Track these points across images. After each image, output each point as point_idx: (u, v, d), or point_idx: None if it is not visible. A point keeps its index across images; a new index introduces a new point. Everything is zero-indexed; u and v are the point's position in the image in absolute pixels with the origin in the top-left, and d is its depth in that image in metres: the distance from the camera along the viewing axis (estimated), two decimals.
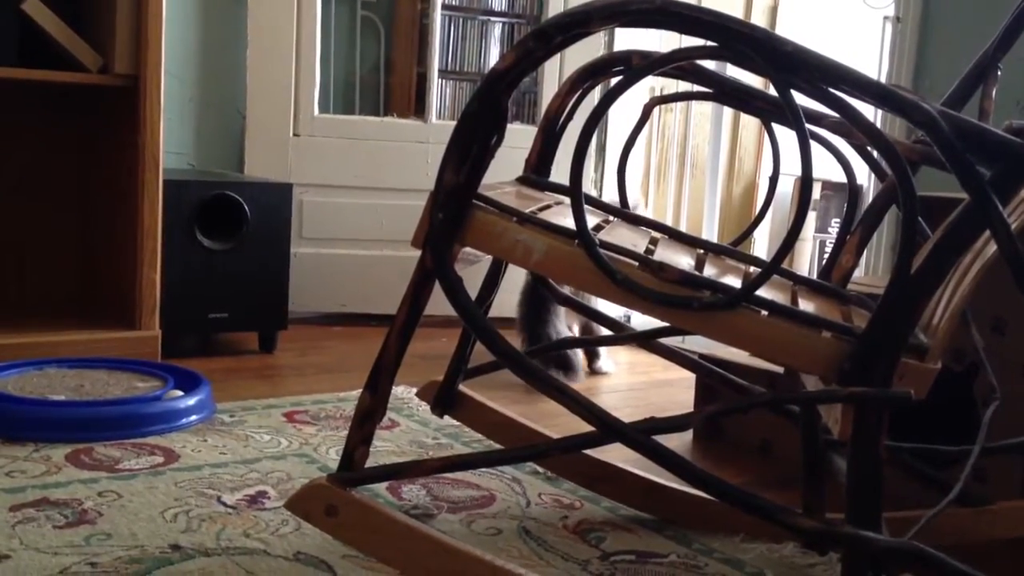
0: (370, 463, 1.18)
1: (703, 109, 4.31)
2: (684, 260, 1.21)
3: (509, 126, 1.14)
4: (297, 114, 3.01)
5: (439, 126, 3.14)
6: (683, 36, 1.03)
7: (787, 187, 4.39)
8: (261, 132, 2.98)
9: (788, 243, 1.00)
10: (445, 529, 1.46)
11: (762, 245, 4.23)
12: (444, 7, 3.30)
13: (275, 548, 1.35)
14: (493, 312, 1.49)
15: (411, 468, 1.20)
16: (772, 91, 1.09)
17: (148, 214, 2.26)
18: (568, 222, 1.05)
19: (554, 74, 3.22)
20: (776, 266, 1.00)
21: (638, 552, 1.42)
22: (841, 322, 1.03)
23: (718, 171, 3.72)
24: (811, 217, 4.39)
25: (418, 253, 1.11)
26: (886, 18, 3.03)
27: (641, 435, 1.03)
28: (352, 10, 3.33)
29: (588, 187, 3.37)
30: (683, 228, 3.64)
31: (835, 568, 1.40)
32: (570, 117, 1.43)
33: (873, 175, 2.06)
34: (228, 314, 2.52)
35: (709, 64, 1.37)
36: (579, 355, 2.57)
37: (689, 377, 2.26)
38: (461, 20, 3.47)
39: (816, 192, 4.34)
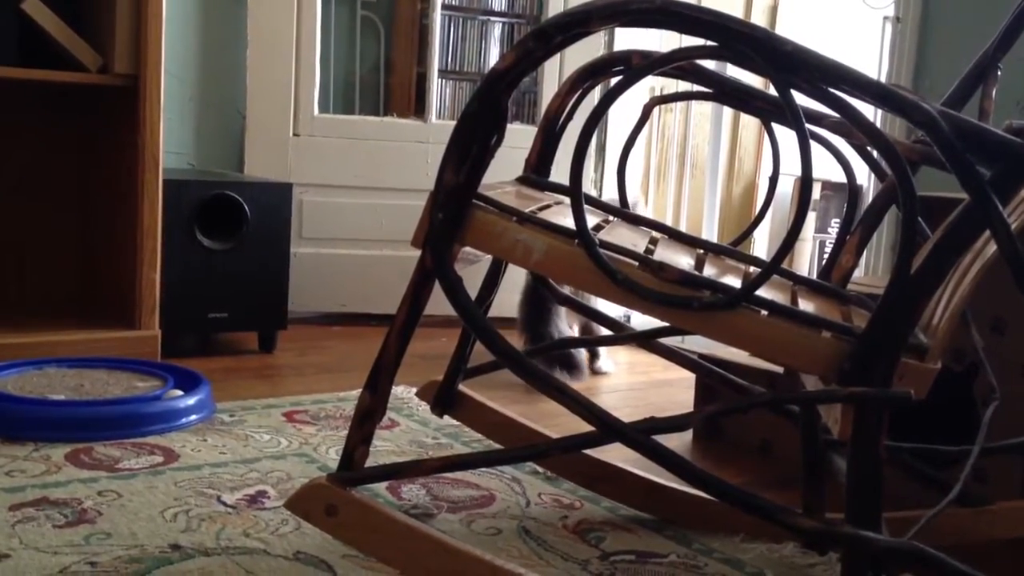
0: (370, 463, 1.18)
1: (703, 109, 4.31)
2: (684, 260, 1.21)
3: (509, 126, 1.14)
4: (297, 114, 3.01)
5: (439, 126, 3.14)
6: (683, 36, 1.03)
7: (787, 187, 4.39)
8: (261, 132, 2.98)
9: (788, 243, 1.00)
10: (445, 529, 1.46)
11: (762, 245, 4.23)
12: (444, 7, 3.30)
13: (275, 548, 1.35)
14: (493, 312, 1.49)
15: (411, 468, 1.20)
16: (772, 91, 1.09)
17: (148, 214, 2.26)
18: (568, 222, 1.05)
19: (554, 74, 3.22)
20: (776, 266, 1.00)
21: (638, 552, 1.42)
22: (841, 322, 1.03)
23: (718, 171, 3.72)
24: (811, 217, 4.39)
25: (418, 253, 1.11)
26: (886, 18, 3.03)
27: (641, 435, 1.03)
28: (352, 10, 3.33)
29: (588, 187, 3.37)
30: (683, 228, 3.64)
31: (835, 568, 1.40)
32: (570, 117, 1.43)
33: (873, 175, 2.06)
34: (228, 314, 2.52)
35: (709, 64, 1.37)
36: (583, 354, 2.57)
37: (689, 377, 2.26)
38: (461, 20, 3.47)
39: (816, 192, 4.34)
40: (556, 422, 1.88)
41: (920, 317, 1.01)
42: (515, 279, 2.17)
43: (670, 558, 1.41)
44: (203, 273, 2.46)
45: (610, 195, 3.22)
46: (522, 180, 1.44)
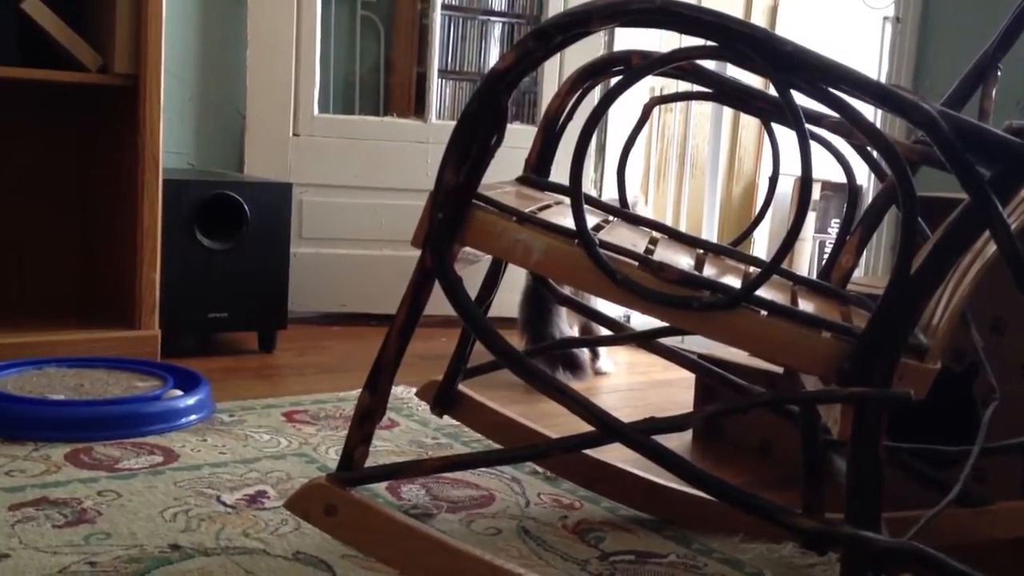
0: (369, 463, 1.18)
1: (703, 109, 4.31)
2: (684, 260, 1.21)
3: (509, 126, 1.14)
4: (297, 114, 3.01)
5: (439, 126, 3.14)
6: (683, 36, 1.03)
7: (787, 187, 4.39)
8: (261, 132, 2.98)
9: (788, 243, 1.00)
10: (444, 529, 1.46)
11: (762, 245, 4.23)
12: (444, 7, 3.30)
13: (274, 548, 1.35)
14: (493, 312, 1.49)
15: (410, 468, 1.20)
16: (772, 91, 1.09)
17: (148, 214, 2.26)
18: (568, 222, 1.05)
19: (554, 74, 3.22)
20: (776, 266, 1.00)
21: (637, 552, 1.42)
22: (841, 322, 1.03)
23: (718, 171, 3.72)
24: (811, 217, 4.39)
25: (418, 253, 1.11)
26: (886, 18, 3.03)
27: (641, 435, 1.03)
28: (352, 10, 3.33)
29: (588, 187, 3.37)
30: (683, 228, 3.64)
31: (834, 568, 1.40)
32: (570, 117, 1.43)
33: (873, 175, 2.06)
34: (228, 314, 2.52)
35: (709, 64, 1.37)
36: (586, 355, 2.57)
37: (689, 377, 2.26)
38: (461, 20, 3.47)
39: (816, 192, 4.34)
40: (556, 422, 1.88)
41: (920, 317, 1.01)
42: (515, 279, 2.17)
43: (669, 558, 1.41)
44: (203, 273, 2.46)
45: (610, 195, 3.22)
46: (522, 180, 1.44)
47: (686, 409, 2.20)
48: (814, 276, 1.42)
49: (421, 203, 1.11)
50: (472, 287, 1.17)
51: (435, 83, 3.18)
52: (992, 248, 1.02)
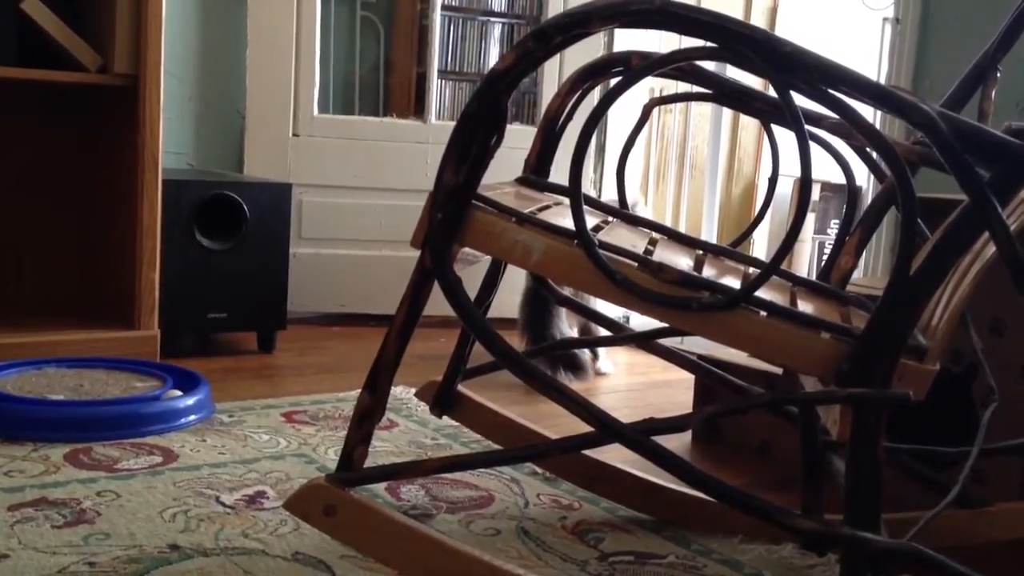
0: (369, 463, 1.18)
1: (702, 110, 4.31)
2: (683, 261, 1.21)
3: (509, 126, 1.14)
4: (296, 114, 3.01)
5: (439, 126, 3.14)
6: (683, 37, 1.03)
7: (786, 188, 4.39)
8: (260, 132, 2.98)
9: (787, 244, 1.00)
10: (444, 529, 1.46)
11: (761, 246, 4.23)
12: (444, 7, 3.30)
13: (274, 548, 1.35)
14: (493, 313, 1.49)
15: (410, 468, 1.20)
16: (771, 92, 1.09)
17: (147, 214, 2.26)
18: (567, 222, 1.05)
19: (554, 74, 3.22)
20: (775, 267, 1.00)
21: (637, 553, 1.42)
22: (840, 323, 1.03)
23: (717, 172, 3.72)
24: (810, 218, 4.39)
25: (417, 253, 1.11)
26: (885, 19, 3.03)
27: (640, 436, 1.03)
28: (352, 10, 3.33)
29: (587, 188, 3.37)
30: (682, 229, 3.64)
31: (834, 569, 1.40)
32: (570, 117, 1.43)
33: (872, 176, 2.06)
34: (227, 314, 2.51)
35: (709, 65, 1.37)
36: (587, 355, 2.57)
37: (688, 378, 2.26)
38: (461, 20, 3.47)
39: (815, 193, 4.34)
40: (555, 423, 1.88)
41: (919, 318, 1.01)
42: (515, 280, 2.17)
43: (669, 559, 1.41)
44: (202, 273, 2.46)
45: (610, 196, 3.21)
46: (521, 181, 1.44)
47: (685, 410, 2.20)
48: (813, 277, 1.42)
49: (421, 203, 1.11)
50: (472, 287, 1.17)
51: (435, 83, 3.18)
52: (991, 249, 1.02)
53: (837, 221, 4.30)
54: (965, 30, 2.48)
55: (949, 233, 0.97)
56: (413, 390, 1.70)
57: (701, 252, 1.40)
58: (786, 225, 4.16)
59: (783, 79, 0.96)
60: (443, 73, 3.39)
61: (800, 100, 0.98)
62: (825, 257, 1.47)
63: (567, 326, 2.52)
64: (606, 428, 1.04)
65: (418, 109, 3.28)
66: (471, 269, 1.27)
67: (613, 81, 1.59)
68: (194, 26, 2.91)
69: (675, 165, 4.52)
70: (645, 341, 1.55)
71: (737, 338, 1.02)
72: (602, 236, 1.10)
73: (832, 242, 3.47)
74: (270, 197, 2.53)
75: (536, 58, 1.05)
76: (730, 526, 1.48)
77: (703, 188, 3.79)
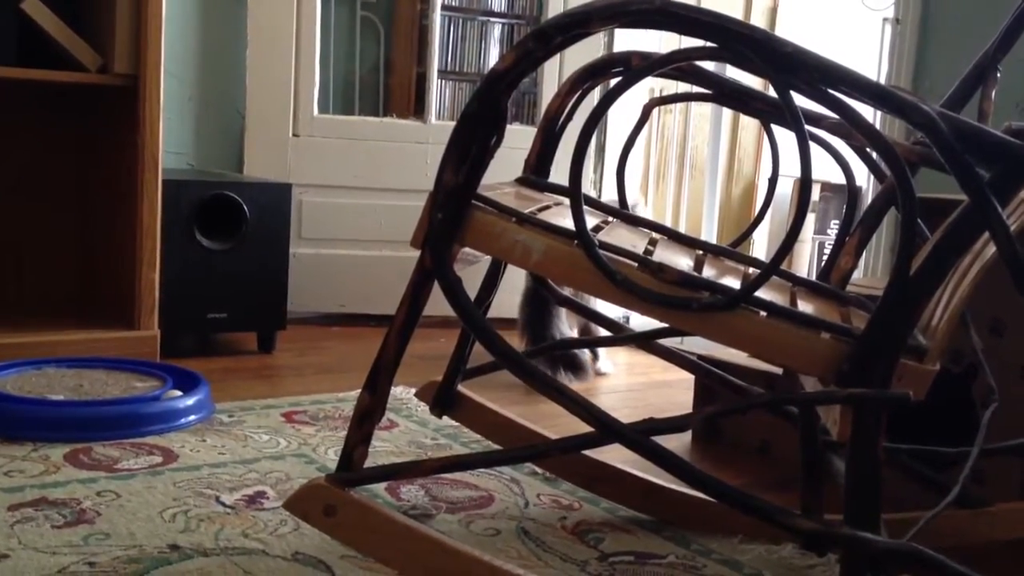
0: (369, 463, 1.18)
1: (702, 110, 4.31)
2: (683, 261, 1.21)
3: (509, 126, 1.14)
4: (296, 114, 3.01)
5: (438, 126, 3.14)
6: (683, 37, 1.03)
7: (786, 188, 4.39)
8: (260, 132, 2.98)
9: (787, 244, 1.00)
10: (443, 529, 1.46)
11: (761, 246, 4.23)
12: (444, 7, 3.30)
13: (273, 548, 1.35)
14: (493, 313, 1.49)
15: (410, 468, 1.20)
16: (771, 92, 1.09)
17: (147, 214, 2.26)
18: (567, 223, 1.05)
19: (554, 74, 3.22)
20: (775, 267, 1.00)
21: (636, 553, 1.42)
22: (840, 323, 1.03)
23: (717, 172, 3.72)
24: (810, 218, 4.39)
25: (417, 253, 1.11)
26: (885, 20, 3.04)
27: (640, 436, 1.03)
28: (352, 10, 3.33)
29: (587, 188, 3.37)
30: (682, 229, 3.64)
31: (834, 569, 1.40)
32: (570, 118, 1.43)
33: (872, 176, 2.06)
34: (227, 314, 2.51)
35: (708, 65, 1.37)
36: (587, 355, 2.57)
37: (688, 378, 2.26)
38: (461, 20, 3.47)
39: (815, 193, 4.34)
40: (555, 423, 1.88)
41: (919, 318, 1.01)
42: (515, 280, 2.17)
43: (669, 559, 1.41)
44: (202, 273, 2.46)
45: (610, 196, 3.22)
46: (521, 181, 1.44)
47: (685, 410, 2.20)
48: (813, 277, 1.42)
49: (421, 203, 1.11)
50: (472, 288, 1.17)
51: (435, 83, 3.18)
52: (991, 249, 1.02)
53: (837, 221, 4.30)
54: (965, 30, 2.48)
55: (949, 233, 0.97)
56: (413, 390, 1.70)
57: (701, 252, 1.40)
58: (786, 225, 4.16)
59: (783, 79, 0.96)
60: (443, 73, 3.39)
61: (800, 100, 0.98)
62: (825, 257, 1.47)
63: (567, 326, 2.52)
64: (606, 428, 1.04)
65: (418, 109, 3.28)
66: (471, 269, 1.27)
67: (613, 81, 1.59)
68: (194, 26, 2.91)
69: (675, 165, 4.52)
70: (645, 341, 1.55)
71: (737, 338, 1.02)
72: (602, 236, 1.10)
73: (832, 242, 3.47)
74: (270, 197, 2.53)
75: (536, 58, 1.05)
76: (730, 526, 1.48)
77: (703, 188, 3.79)
